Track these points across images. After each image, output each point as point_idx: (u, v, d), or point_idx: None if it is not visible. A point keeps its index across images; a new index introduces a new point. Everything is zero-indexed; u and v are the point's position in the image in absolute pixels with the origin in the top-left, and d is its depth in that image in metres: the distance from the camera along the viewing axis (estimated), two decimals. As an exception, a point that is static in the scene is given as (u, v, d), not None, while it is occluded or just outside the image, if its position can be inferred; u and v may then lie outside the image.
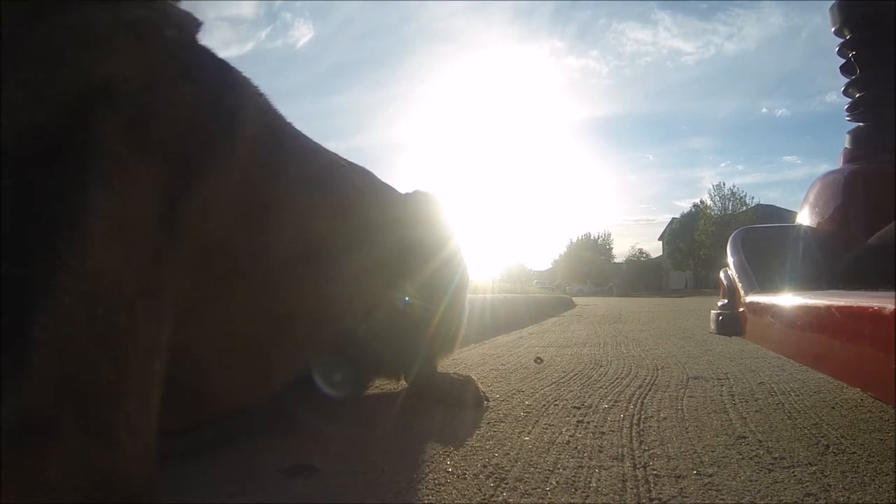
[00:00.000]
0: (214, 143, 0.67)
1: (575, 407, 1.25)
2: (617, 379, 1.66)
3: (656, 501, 0.70)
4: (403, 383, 1.36)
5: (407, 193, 1.32)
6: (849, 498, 0.70)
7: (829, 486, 0.74)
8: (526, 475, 0.80)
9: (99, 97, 0.53)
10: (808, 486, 0.75)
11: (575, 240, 53.74)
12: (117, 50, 0.56)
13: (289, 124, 0.94)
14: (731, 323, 1.28)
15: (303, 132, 1.00)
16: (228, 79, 0.76)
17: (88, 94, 0.53)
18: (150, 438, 0.54)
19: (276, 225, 0.86)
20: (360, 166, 1.23)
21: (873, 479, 0.76)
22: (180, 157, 0.61)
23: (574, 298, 13.55)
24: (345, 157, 1.19)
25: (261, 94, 0.86)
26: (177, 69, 0.63)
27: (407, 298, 1.23)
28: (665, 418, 1.14)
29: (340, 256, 1.03)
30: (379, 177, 1.28)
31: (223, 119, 0.70)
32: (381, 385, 1.45)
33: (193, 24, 0.69)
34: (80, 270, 0.50)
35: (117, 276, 0.53)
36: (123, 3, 0.59)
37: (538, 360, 2.09)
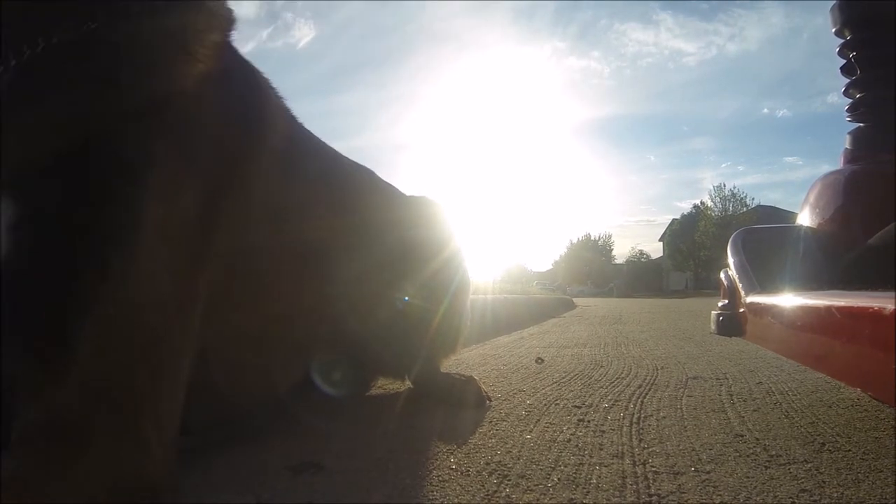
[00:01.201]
0: (244, 151, 0.69)
1: (576, 406, 1.26)
2: (617, 379, 1.67)
3: (655, 497, 0.71)
4: (407, 383, 1.38)
5: (411, 196, 1.34)
6: (843, 494, 0.72)
7: (825, 482, 0.76)
8: (528, 472, 0.82)
9: (148, 110, 0.53)
10: (803, 482, 0.76)
11: (575, 241, 53.76)
12: (165, 64, 0.56)
13: (303, 126, 0.96)
14: (732, 323, 1.28)
15: (312, 133, 1.01)
16: (253, 81, 0.76)
17: (138, 107, 0.53)
18: (174, 439, 0.55)
19: (293, 227, 0.88)
20: (365, 167, 1.25)
21: (867, 476, 0.78)
22: (216, 164, 0.62)
23: (574, 299, 13.55)
24: (350, 158, 1.21)
25: (280, 98, 0.86)
26: (218, 78, 0.63)
27: (407, 298, 1.24)
28: (664, 417, 1.15)
29: (348, 256, 1.05)
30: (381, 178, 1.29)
31: (252, 126, 0.71)
32: (384, 385, 1.46)
33: (232, 24, 0.68)
34: (127, 278, 0.51)
35: (160, 282, 0.54)
36: (172, 5, 0.58)
37: (539, 360, 2.10)
